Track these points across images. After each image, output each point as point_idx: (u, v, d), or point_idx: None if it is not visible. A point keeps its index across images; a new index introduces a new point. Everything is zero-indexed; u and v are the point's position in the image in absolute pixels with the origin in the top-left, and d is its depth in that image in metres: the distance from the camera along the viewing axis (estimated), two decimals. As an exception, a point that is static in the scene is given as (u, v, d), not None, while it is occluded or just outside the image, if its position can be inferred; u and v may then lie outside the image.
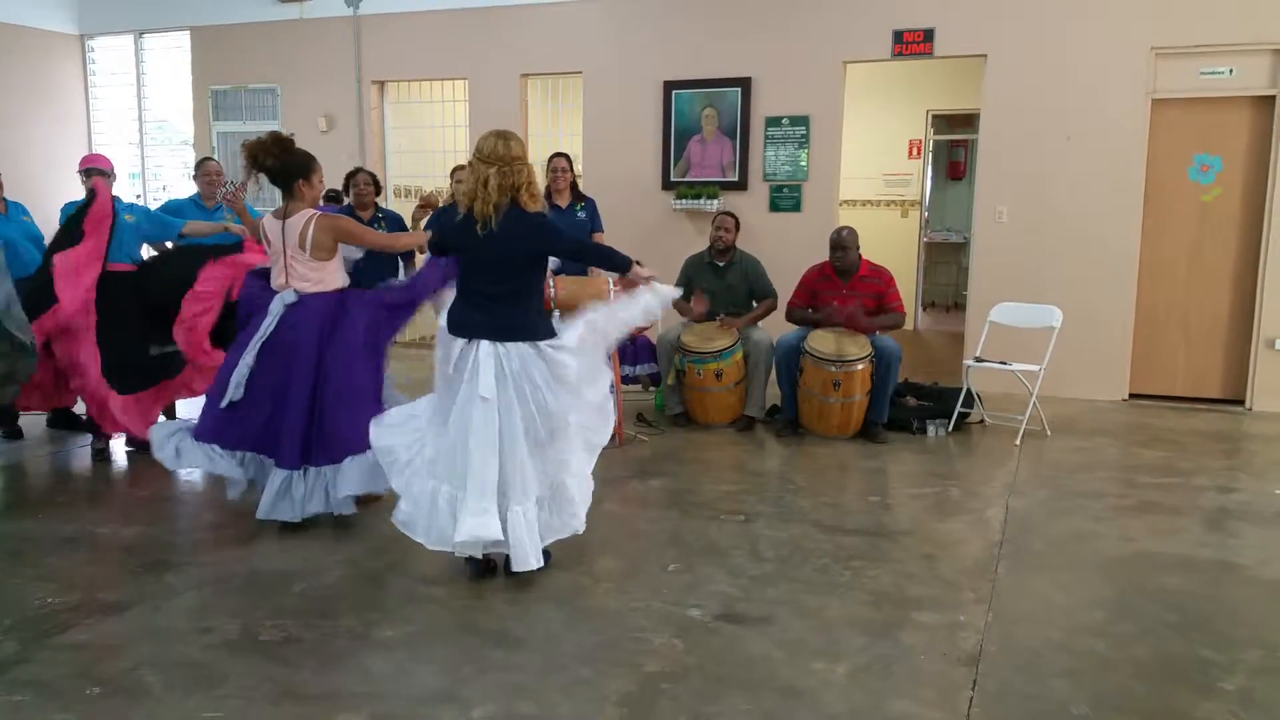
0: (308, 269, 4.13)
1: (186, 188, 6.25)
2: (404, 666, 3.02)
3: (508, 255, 3.52)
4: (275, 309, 4.14)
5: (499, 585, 3.65)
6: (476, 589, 3.61)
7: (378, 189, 6.57)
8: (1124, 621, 3.40)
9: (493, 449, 3.46)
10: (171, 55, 10.11)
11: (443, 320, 3.68)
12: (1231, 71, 6.75)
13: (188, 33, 9.73)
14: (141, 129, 10.42)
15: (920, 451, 5.75)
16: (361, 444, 3.93)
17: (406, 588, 3.64)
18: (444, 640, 3.21)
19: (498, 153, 3.47)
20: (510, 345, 3.50)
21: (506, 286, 3.54)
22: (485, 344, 3.49)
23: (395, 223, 6.46)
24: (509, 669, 3.00)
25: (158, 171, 10.67)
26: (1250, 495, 4.91)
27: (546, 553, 3.70)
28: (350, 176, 6.50)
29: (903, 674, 3.00)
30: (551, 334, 3.59)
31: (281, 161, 4.11)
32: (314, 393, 4.11)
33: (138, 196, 10.45)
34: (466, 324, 3.56)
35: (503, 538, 3.48)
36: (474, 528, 3.42)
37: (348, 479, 4.09)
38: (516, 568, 3.53)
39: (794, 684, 2.91)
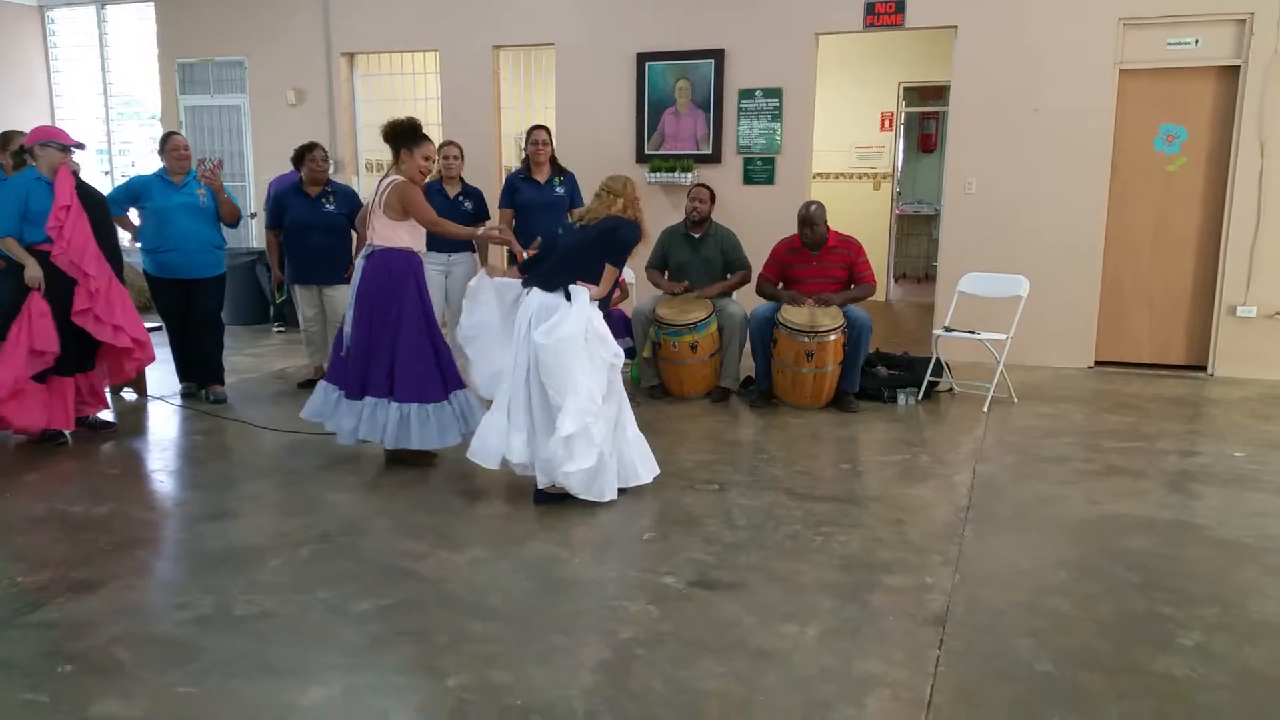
0: (381, 224, 4.63)
1: (155, 163, 6.15)
2: (379, 638, 3.04)
3: (587, 233, 4.35)
4: (359, 262, 4.73)
5: (476, 557, 3.68)
6: (452, 562, 3.64)
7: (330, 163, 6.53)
8: (1087, 581, 3.47)
9: (522, 380, 4.18)
10: (136, 27, 9.95)
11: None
12: (1198, 42, 6.81)
13: (152, 3, 9.57)
14: (107, 103, 10.26)
15: (891, 420, 5.82)
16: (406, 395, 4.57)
17: (382, 560, 3.66)
18: (419, 612, 3.23)
19: (627, 193, 4.44)
20: (553, 295, 4.17)
21: (571, 249, 4.34)
22: (536, 290, 4.23)
23: (347, 198, 6.42)
24: (484, 639, 3.02)
25: (125, 148, 10.53)
26: (1211, 458, 5.01)
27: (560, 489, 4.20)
28: (305, 151, 6.38)
29: (871, 635, 3.05)
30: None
31: (391, 133, 4.69)
32: (370, 334, 4.62)
33: (106, 173, 10.32)
34: (533, 275, 4.33)
35: (521, 461, 4.19)
36: (506, 450, 4.22)
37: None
38: (539, 485, 4.20)
39: (766, 647, 2.96)
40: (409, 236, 4.66)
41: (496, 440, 4.22)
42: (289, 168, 6.56)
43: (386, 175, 4.71)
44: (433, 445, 4.63)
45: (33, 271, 4.97)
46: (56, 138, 5.25)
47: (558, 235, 4.52)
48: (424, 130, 4.72)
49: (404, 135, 4.66)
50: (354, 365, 4.66)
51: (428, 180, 6.46)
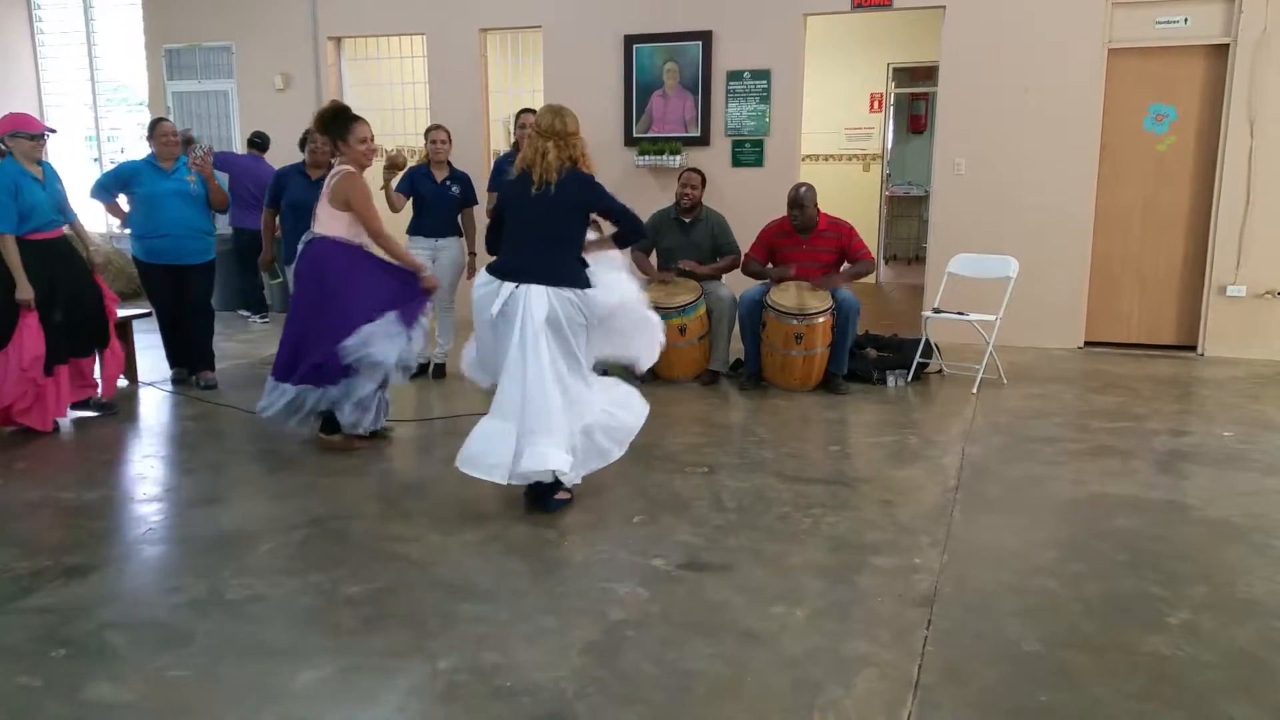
0: (326, 213, 4.55)
1: (144, 149, 6.11)
2: (370, 621, 3.04)
3: (562, 209, 3.83)
4: (300, 247, 4.65)
5: (465, 540, 3.69)
6: (442, 545, 3.65)
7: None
8: (1075, 561, 3.49)
9: (548, 383, 3.75)
10: (123, 13, 9.87)
11: (482, 274, 3.94)
12: (1187, 20, 6.81)
13: (137, -11, 9.50)
14: (94, 90, 10.20)
15: (880, 402, 5.83)
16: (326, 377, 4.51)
17: (373, 544, 3.66)
18: (410, 594, 3.24)
19: (555, 128, 3.81)
20: (558, 289, 3.76)
21: (557, 235, 3.84)
22: (536, 287, 3.75)
23: None
24: (475, 621, 3.03)
25: (113, 134, 10.46)
26: (1200, 438, 5.04)
27: (569, 491, 3.99)
28: (307, 134, 6.38)
29: (860, 616, 3.07)
30: (589, 284, 3.85)
31: (321, 127, 4.66)
32: (302, 317, 4.59)
33: (95, 159, 10.26)
34: (518, 270, 3.81)
35: (564, 468, 3.76)
36: (535, 459, 3.71)
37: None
38: (570, 482, 3.89)
39: (754, 628, 2.98)
40: (348, 230, 4.55)
41: (504, 452, 3.78)
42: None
43: (333, 166, 4.66)
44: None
45: (23, 295, 4.94)
46: (24, 127, 5.07)
47: (515, 198, 3.94)
48: (351, 113, 4.65)
49: (332, 126, 4.56)
50: (286, 350, 4.62)
51: (416, 163, 6.49)
